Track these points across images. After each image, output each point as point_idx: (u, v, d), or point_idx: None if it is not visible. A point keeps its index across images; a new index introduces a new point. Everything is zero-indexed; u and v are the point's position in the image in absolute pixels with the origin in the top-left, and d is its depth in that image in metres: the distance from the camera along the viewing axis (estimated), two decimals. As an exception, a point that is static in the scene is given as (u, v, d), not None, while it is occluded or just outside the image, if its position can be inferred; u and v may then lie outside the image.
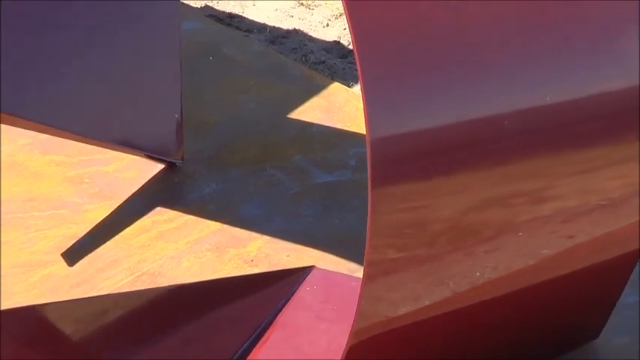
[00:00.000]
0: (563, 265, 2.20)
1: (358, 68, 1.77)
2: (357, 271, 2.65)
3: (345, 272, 2.67)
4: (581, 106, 2.02)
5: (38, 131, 2.97)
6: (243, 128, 3.29)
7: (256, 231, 2.87)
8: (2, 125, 3.01)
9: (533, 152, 2.00)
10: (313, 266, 2.68)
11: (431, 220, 1.92)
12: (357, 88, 3.49)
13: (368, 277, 1.86)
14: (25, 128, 2.94)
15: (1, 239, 2.80)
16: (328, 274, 2.68)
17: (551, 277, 2.20)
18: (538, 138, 2.00)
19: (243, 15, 4.10)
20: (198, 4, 4.16)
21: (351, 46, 3.76)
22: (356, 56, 1.75)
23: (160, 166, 3.09)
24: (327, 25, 4.03)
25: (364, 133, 1.74)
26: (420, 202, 1.89)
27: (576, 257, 2.22)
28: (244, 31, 3.98)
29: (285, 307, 2.57)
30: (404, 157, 1.83)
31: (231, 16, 4.09)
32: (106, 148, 3.05)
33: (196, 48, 3.68)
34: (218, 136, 3.25)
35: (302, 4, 4.14)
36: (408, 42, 1.87)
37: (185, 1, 4.13)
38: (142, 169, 3.09)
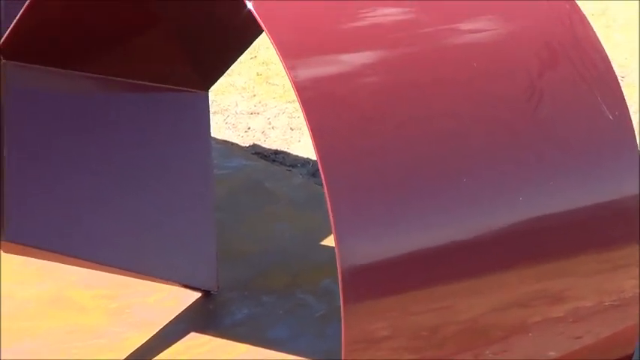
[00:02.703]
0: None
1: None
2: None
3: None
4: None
5: (82, 266, 3.16)
6: (277, 256, 3.45)
7: (283, 351, 3.00)
8: (51, 262, 3.22)
9: (555, 253, 2.13)
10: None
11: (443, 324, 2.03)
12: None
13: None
14: (68, 264, 3.13)
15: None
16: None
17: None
18: (557, 239, 2.12)
19: (288, 151, 4.30)
20: (246, 143, 4.38)
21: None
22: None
23: (197, 295, 3.26)
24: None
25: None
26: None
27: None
28: (288, 166, 4.18)
29: None
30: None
31: (277, 152, 4.30)
32: (145, 280, 3.22)
33: (239, 184, 3.88)
34: (253, 265, 3.41)
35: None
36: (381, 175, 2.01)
37: (234, 140, 4.36)
38: (181, 299, 3.26)
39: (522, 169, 2.13)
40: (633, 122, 2.25)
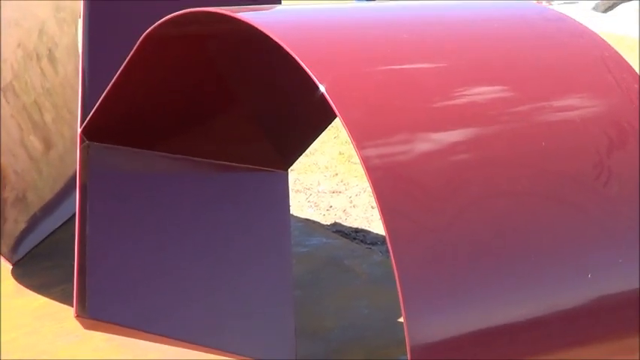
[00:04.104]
0: None
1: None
2: None
3: None
4: None
5: (160, 342, 3.21)
6: (355, 333, 3.48)
7: None
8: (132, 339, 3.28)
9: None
10: None
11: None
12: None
13: None
14: (148, 340, 3.18)
15: None
16: None
17: None
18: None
19: (369, 229, 4.33)
20: (328, 221, 4.43)
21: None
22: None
23: (275, 371, 3.29)
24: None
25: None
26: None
27: None
28: (368, 243, 4.21)
29: None
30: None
31: (357, 230, 4.34)
32: (223, 356, 3.26)
33: (320, 261, 3.93)
34: (330, 341, 3.44)
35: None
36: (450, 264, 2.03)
37: (316, 219, 4.41)
38: (260, 374, 3.29)
39: (590, 248, 2.13)
40: None
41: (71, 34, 4.48)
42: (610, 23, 15.06)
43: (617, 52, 2.46)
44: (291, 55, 2.08)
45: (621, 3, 18.87)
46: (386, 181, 2.03)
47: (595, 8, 18.42)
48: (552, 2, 15.49)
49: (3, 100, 4.16)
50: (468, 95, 2.22)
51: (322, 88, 2.07)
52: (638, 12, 17.16)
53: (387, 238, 1.94)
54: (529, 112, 2.29)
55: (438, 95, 2.19)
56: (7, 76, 4.15)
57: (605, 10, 18.63)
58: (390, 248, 1.94)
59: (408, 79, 2.21)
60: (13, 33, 4.17)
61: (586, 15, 17.00)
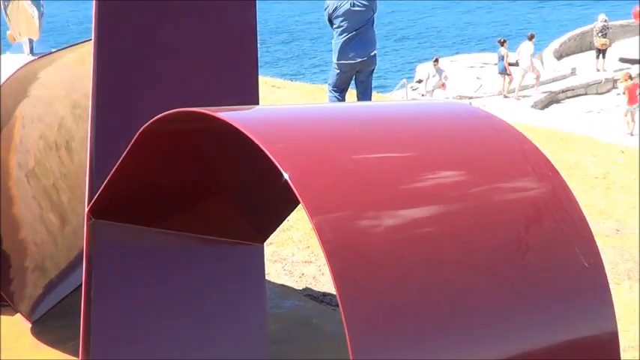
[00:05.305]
0: None
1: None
2: None
3: None
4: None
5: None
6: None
7: None
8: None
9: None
10: None
11: None
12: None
13: None
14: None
15: None
16: None
17: None
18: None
19: (334, 293, 4.35)
20: (300, 286, 4.45)
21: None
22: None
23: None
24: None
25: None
26: None
27: None
28: (334, 305, 4.23)
29: None
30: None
31: (324, 294, 4.36)
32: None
33: (292, 321, 3.94)
34: (300, 389, 3.44)
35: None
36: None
37: (290, 284, 4.43)
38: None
39: (510, 309, 2.17)
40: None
41: (85, 128, 4.53)
42: (546, 119, 15.25)
43: (533, 145, 2.52)
44: (260, 148, 2.13)
45: (553, 103, 19.13)
46: (337, 252, 2.07)
47: (533, 106, 18.65)
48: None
49: (26, 183, 4.20)
50: (408, 181, 2.28)
51: (286, 176, 2.12)
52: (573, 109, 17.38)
53: (338, 299, 1.99)
54: (460, 195, 2.35)
55: (383, 180, 2.24)
56: (30, 162, 4.20)
57: (542, 108, 18.87)
58: (341, 310, 1.98)
59: (358, 166, 2.27)
60: (36, 127, 4.23)
61: (526, 111, 17.22)
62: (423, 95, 19.15)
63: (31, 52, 8.91)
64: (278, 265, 4.66)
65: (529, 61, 19.39)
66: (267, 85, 10.70)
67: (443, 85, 18.72)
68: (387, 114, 2.69)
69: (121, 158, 2.71)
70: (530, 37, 19.97)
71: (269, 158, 2.12)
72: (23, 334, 3.98)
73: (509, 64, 19.61)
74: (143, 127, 2.54)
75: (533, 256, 2.29)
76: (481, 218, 2.30)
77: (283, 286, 4.43)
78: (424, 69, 21.05)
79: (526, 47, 19.70)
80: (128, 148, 2.66)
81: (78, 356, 3.51)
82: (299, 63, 34.51)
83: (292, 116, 2.58)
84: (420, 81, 21.04)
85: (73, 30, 38.42)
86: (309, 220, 2.06)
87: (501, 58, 19.56)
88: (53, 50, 4.93)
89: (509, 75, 19.54)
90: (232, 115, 2.38)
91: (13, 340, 3.94)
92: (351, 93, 8.15)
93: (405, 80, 18.80)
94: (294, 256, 4.79)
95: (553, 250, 2.31)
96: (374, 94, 8.22)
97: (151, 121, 2.50)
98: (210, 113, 2.33)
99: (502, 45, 19.85)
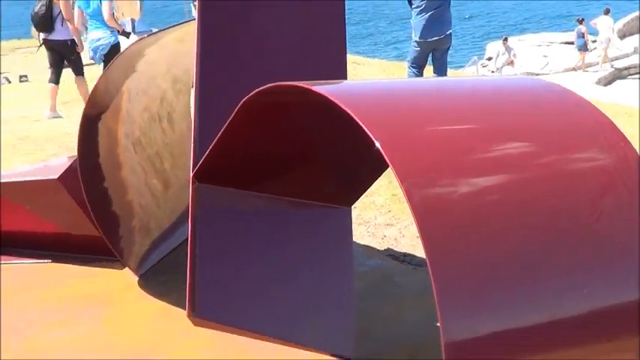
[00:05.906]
0: None
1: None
2: None
3: None
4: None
5: (246, 336, 3.22)
6: (402, 334, 3.49)
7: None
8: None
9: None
10: None
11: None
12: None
13: None
14: (244, 336, 3.22)
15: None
16: None
17: None
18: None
19: (415, 254, 4.36)
20: (382, 247, 4.47)
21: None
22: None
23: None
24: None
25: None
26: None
27: None
28: (414, 265, 4.23)
29: None
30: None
31: (405, 254, 4.36)
32: (299, 348, 3.27)
33: (376, 278, 3.96)
34: (380, 341, 3.45)
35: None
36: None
37: (373, 245, 4.45)
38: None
39: (584, 267, 2.16)
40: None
41: (185, 100, 4.60)
42: (610, 95, 14.94)
43: (607, 118, 2.48)
44: (354, 119, 2.14)
45: (617, 79, 18.70)
46: (426, 214, 2.07)
47: (597, 82, 18.28)
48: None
49: (132, 151, 4.28)
50: (491, 149, 2.27)
51: (377, 144, 2.13)
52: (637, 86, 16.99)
53: (427, 258, 1.99)
54: (539, 163, 2.33)
55: (467, 148, 2.24)
56: (136, 132, 4.28)
57: (606, 85, 18.47)
58: (429, 266, 1.98)
59: (443, 135, 2.27)
60: (141, 100, 4.30)
61: (590, 88, 16.88)
62: (492, 72, 18.90)
63: (133, 30, 9.08)
64: (362, 228, 4.68)
65: (609, 33, 18.88)
66: (349, 61, 10.69)
67: (512, 62, 18.46)
68: (468, 87, 2.68)
69: (223, 128, 2.75)
70: (607, 12, 19.45)
71: (361, 128, 2.13)
72: (131, 285, 4.08)
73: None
74: (244, 99, 2.57)
75: (607, 220, 2.26)
76: (559, 184, 2.28)
77: (367, 246, 4.45)
78: (494, 47, 20.78)
79: (605, 21, 19.19)
80: (230, 119, 2.69)
81: (178, 306, 3.59)
82: (373, 41, 34.29)
83: (380, 90, 2.58)
84: (489, 58, 20.77)
85: (165, 11, 38.79)
86: (399, 185, 2.07)
87: (581, 35, 19.09)
88: (154, 30, 4.99)
89: (589, 51, 19.09)
90: (326, 89, 2.40)
91: (122, 290, 4.05)
92: (428, 69, 8.10)
93: (475, 57, 18.59)
94: (377, 219, 4.80)
95: (625, 215, 2.28)
96: (448, 70, 8.16)
97: (252, 93, 2.53)
98: (306, 86, 2.35)
99: (580, 23, 19.40)
